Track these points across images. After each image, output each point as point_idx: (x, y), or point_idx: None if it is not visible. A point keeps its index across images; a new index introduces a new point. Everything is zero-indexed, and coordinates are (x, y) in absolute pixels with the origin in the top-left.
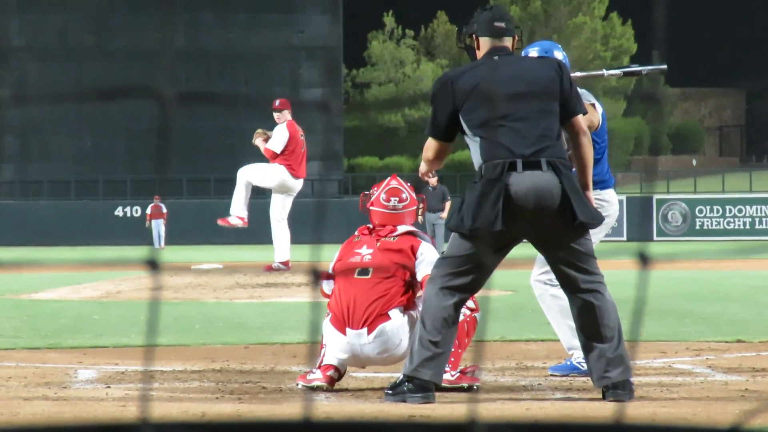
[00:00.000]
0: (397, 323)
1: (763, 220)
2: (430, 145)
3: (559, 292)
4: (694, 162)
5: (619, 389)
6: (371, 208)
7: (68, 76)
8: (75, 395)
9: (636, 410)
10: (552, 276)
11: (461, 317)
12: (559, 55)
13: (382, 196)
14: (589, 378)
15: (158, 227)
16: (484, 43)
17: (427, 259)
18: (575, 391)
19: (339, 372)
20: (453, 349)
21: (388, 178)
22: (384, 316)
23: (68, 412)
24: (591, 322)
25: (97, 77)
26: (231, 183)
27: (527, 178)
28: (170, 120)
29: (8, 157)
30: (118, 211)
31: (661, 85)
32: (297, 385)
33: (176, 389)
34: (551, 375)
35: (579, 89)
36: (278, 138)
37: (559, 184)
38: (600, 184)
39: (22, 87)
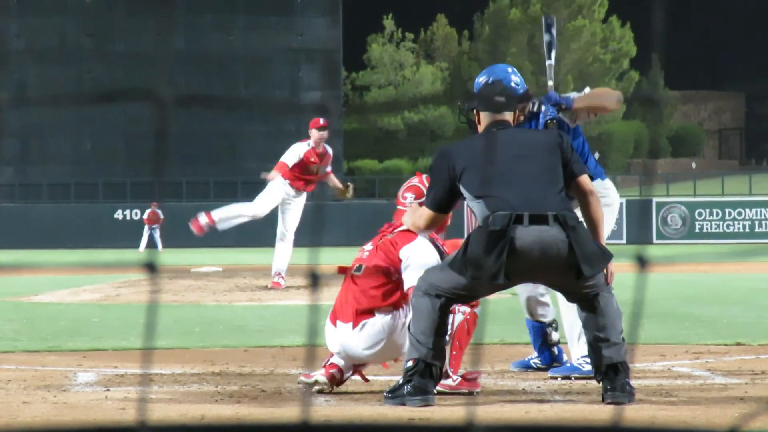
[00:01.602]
0: (382, 321)
1: (763, 223)
2: (424, 214)
3: None
4: (694, 165)
5: (618, 391)
6: (397, 206)
7: (67, 79)
8: (74, 398)
9: (635, 413)
10: None
11: (461, 316)
12: (515, 78)
13: (401, 192)
14: (588, 381)
15: (153, 232)
16: (484, 118)
17: (412, 264)
18: (575, 394)
19: (341, 373)
20: (455, 352)
21: (413, 176)
22: (369, 314)
23: (67, 415)
24: (595, 320)
25: (96, 80)
26: (230, 186)
27: (533, 232)
28: (169, 123)
29: (8, 160)
30: (118, 214)
31: (661, 88)
32: (298, 384)
33: (176, 392)
34: (551, 378)
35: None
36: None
37: (565, 239)
38: (598, 175)
39: (21, 89)
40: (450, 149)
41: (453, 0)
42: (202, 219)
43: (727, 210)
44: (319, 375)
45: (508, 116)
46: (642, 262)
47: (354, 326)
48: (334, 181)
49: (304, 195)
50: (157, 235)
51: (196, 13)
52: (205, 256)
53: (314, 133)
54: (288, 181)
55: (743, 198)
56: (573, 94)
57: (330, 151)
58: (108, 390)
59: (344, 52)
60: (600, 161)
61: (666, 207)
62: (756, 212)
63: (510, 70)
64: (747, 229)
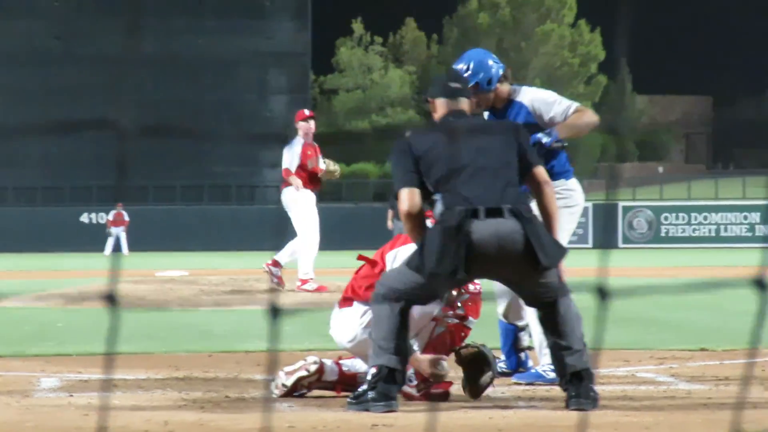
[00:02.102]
0: (358, 310)
1: (729, 227)
2: (403, 196)
3: None
4: (660, 169)
5: (582, 398)
6: None
7: (35, 82)
8: (38, 404)
9: (599, 419)
10: None
11: (442, 328)
12: (492, 64)
13: None
14: (552, 387)
15: (118, 234)
16: (440, 105)
17: (394, 266)
18: (538, 401)
19: (321, 370)
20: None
21: None
22: (350, 302)
23: (31, 420)
24: (555, 326)
25: (63, 83)
26: (196, 189)
27: (490, 226)
28: (128, 154)
29: None
30: (84, 218)
31: (628, 92)
32: (277, 380)
33: (139, 397)
34: (515, 383)
35: (545, 92)
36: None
37: (521, 231)
38: (564, 174)
39: None
40: (407, 141)
41: (422, 4)
42: (274, 271)
43: (693, 214)
44: (311, 356)
45: (465, 104)
46: (603, 294)
47: (339, 308)
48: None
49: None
50: (123, 238)
51: (165, 16)
52: (170, 260)
53: (302, 125)
54: (309, 191)
55: (709, 202)
56: (554, 132)
57: (316, 145)
58: (71, 396)
59: (313, 55)
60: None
61: (632, 211)
62: (722, 216)
63: (483, 53)
64: (713, 233)
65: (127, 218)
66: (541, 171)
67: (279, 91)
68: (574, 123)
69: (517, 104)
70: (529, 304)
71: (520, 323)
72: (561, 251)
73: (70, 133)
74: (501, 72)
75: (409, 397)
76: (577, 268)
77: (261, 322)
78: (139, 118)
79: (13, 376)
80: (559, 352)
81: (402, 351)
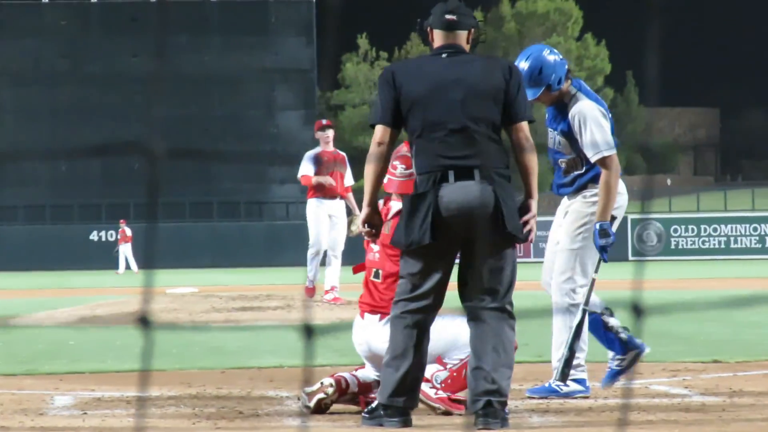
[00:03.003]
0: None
1: (738, 239)
2: (377, 133)
3: (577, 304)
4: (669, 181)
5: (489, 417)
6: (388, 176)
7: (43, 101)
8: (52, 422)
9: None
10: (576, 285)
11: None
12: (558, 60)
13: (391, 161)
14: (565, 400)
15: (125, 251)
16: (437, 36)
17: None
18: (552, 414)
19: (348, 384)
20: (450, 381)
21: (402, 144)
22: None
23: None
24: (482, 341)
25: (71, 102)
26: (205, 206)
27: (458, 188)
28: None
29: None
30: (93, 236)
31: (635, 105)
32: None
33: (153, 414)
34: (528, 397)
35: (590, 116)
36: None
37: (492, 193)
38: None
39: None
40: (394, 69)
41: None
42: (333, 296)
43: (702, 226)
44: (327, 378)
45: (461, 36)
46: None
47: (381, 319)
48: (351, 201)
49: (343, 203)
50: (129, 255)
51: (171, 34)
52: (180, 277)
53: (319, 135)
54: (315, 198)
55: (718, 214)
56: (595, 223)
57: (342, 153)
58: (85, 413)
59: (318, 71)
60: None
61: (641, 224)
62: (731, 228)
63: (547, 51)
64: (722, 245)
65: (129, 234)
66: (522, 126)
67: (285, 108)
68: (605, 199)
69: (569, 113)
70: (467, 300)
71: (598, 310)
72: (525, 233)
73: (101, 156)
74: (566, 67)
75: (426, 398)
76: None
77: (273, 338)
78: (145, 136)
79: (27, 394)
80: (474, 371)
81: (417, 363)
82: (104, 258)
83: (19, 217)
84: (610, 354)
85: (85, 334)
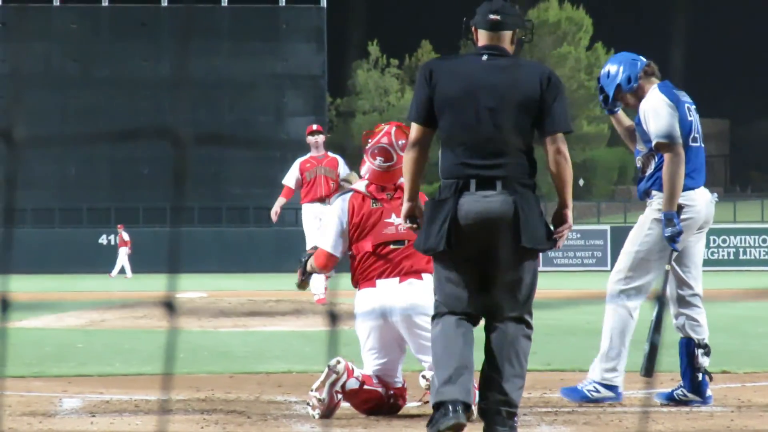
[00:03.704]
0: (428, 284)
1: (748, 250)
2: (413, 131)
3: (633, 310)
4: None
5: (498, 426)
6: (365, 157)
7: (53, 105)
8: (60, 425)
9: None
10: (630, 285)
11: None
12: (632, 61)
13: (372, 150)
14: (576, 408)
15: (121, 256)
16: (481, 36)
17: None
18: (561, 423)
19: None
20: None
21: (387, 127)
22: (416, 274)
23: None
24: (497, 349)
25: (81, 105)
26: (215, 211)
27: (479, 198)
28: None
29: None
30: (102, 239)
31: None
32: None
33: (162, 419)
34: (543, 403)
35: (655, 105)
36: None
37: (512, 204)
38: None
39: (6, 115)
40: (432, 67)
41: (437, 26)
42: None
43: (711, 237)
44: (331, 361)
45: (506, 36)
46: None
47: (400, 282)
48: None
49: (315, 205)
50: (125, 259)
51: (181, 38)
52: (188, 281)
53: (309, 140)
54: (305, 204)
55: (728, 225)
56: (665, 220)
57: (336, 155)
58: (93, 416)
59: (329, 78)
60: (584, 188)
61: None
62: (741, 239)
63: (626, 54)
64: (732, 257)
65: (127, 238)
66: (557, 138)
67: (296, 114)
68: (668, 189)
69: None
70: (491, 316)
71: (697, 337)
72: (549, 243)
73: (128, 143)
74: (642, 67)
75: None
76: (599, 290)
77: (281, 343)
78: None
79: (35, 396)
80: (486, 382)
81: (464, 363)
82: (113, 262)
83: (27, 220)
84: (680, 380)
85: (92, 337)
